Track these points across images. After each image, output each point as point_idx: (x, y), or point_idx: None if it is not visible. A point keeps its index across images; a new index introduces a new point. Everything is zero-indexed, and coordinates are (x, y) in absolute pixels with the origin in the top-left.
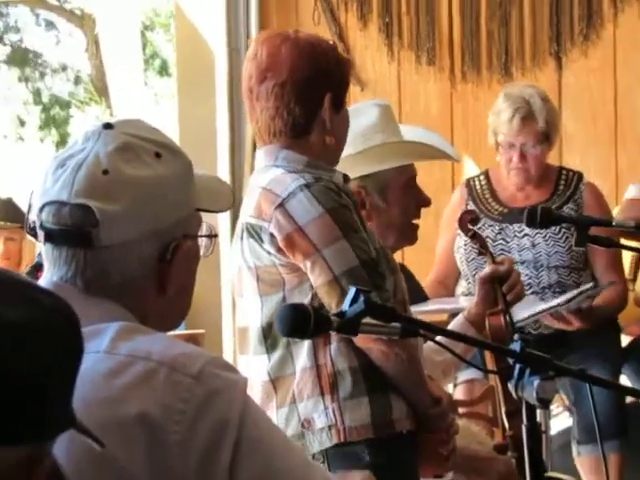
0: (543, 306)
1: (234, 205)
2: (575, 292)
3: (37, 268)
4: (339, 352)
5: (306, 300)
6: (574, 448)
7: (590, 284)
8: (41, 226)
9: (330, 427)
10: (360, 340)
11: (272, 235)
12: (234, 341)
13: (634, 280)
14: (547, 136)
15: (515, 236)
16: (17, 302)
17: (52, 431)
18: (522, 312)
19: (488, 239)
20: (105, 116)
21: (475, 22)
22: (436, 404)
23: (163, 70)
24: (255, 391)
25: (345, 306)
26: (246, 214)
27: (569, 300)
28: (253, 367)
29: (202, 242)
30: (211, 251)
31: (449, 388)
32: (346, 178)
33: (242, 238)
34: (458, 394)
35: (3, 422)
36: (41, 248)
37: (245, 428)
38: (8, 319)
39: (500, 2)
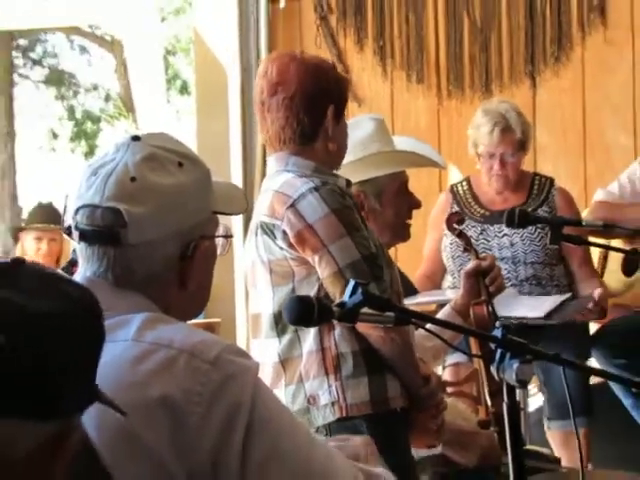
0: (525, 314)
1: (247, 209)
2: (556, 303)
3: (72, 264)
4: (342, 337)
5: (313, 290)
6: (545, 423)
7: (568, 294)
8: (76, 227)
9: (333, 403)
10: (361, 326)
11: (284, 232)
12: (247, 328)
13: (602, 274)
14: (523, 145)
15: (495, 236)
16: (50, 294)
17: (79, 406)
18: (505, 309)
19: (472, 238)
20: (132, 130)
21: (459, 46)
22: (426, 384)
23: (184, 90)
24: (266, 371)
25: (345, 297)
26: (260, 213)
27: (549, 314)
28: (265, 349)
29: (219, 242)
30: (227, 250)
31: (438, 370)
32: (348, 183)
33: (257, 235)
34: (446, 376)
35: (34, 400)
36: (76, 246)
37: (256, 409)
38: (41, 310)
39: (481, 28)
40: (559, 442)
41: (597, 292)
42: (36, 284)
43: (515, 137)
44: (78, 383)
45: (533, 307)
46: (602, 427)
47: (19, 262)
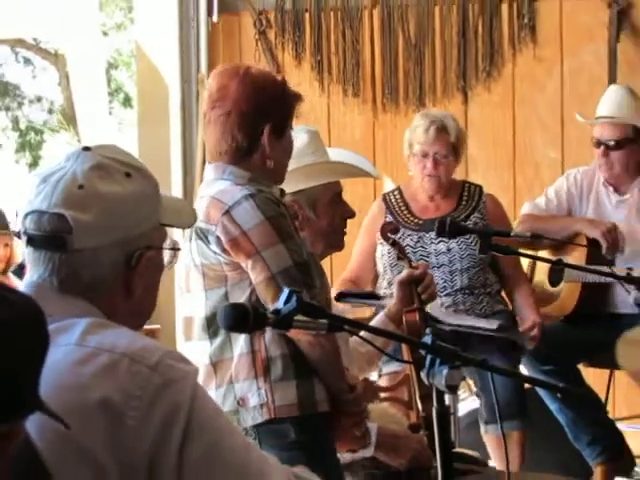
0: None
1: (195, 223)
2: (495, 327)
3: (22, 267)
4: (272, 341)
5: (245, 294)
6: (482, 427)
7: (497, 323)
8: (24, 232)
9: (262, 405)
10: (291, 331)
11: (218, 237)
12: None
13: (530, 281)
14: (456, 150)
15: (432, 242)
16: None
17: (24, 412)
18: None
19: (409, 247)
20: (74, 142)
21: (394, 61)
22: (352, 391)
23: (126, 102)
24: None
25: (280, 305)
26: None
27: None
28: (196, 351)
29: (166, 254)
30: (174, 263)
31: (373, 376)
32: (282, 192)
33: (191, 239)
34: (383, 383)
35: None
36: (24, 249)
37: (194, 413)
38: None
39: (415, 44)
40: (495, 445)
41: (532, 327)
42: None
43: (449, 139)
44: (22, 391)
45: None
46: (534, 428)
47: None
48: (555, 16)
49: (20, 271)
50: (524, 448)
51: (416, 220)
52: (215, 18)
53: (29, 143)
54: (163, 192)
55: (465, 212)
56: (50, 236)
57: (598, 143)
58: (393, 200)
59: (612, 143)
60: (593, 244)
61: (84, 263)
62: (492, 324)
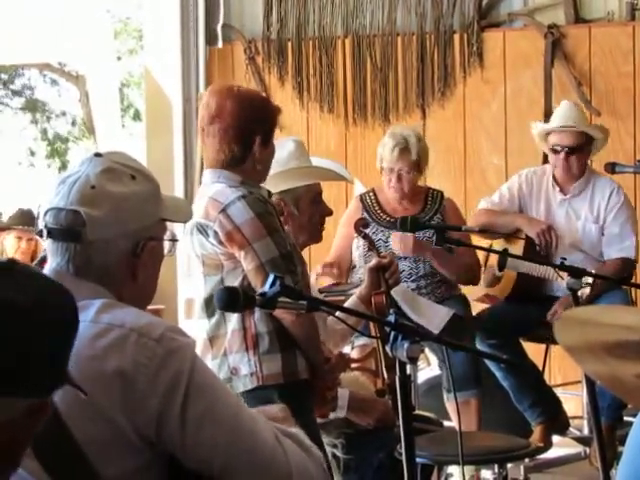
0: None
1: (191, 218)
2: (448, 316)
3: (42, 261)
4: (260, 319)
5: (238, 280)
6: (444, 394)
7: (453, 311)
8: (45, 226)
9: (252, 374)
10: (276, 311)
11: (215, 232)
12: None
13: (485, 265)
14: (418, 165)
15: None
16: (28, 289)
17: (58, 387)
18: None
19: (381, 241)
20: (93, 149)
21: (362, 82)
22: (327, 362)
23: (136, 116)
24: (196, 346)
25: (266, 288)
26: (196, 216)
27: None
28: (196, 328)
29: (166, 244)
30: (173, 252)
31: (347, 349)
32: (269, 193)
33: (192, 234)
34: (354, 354)
35: (22, 381)
36: (45, 243)
37: (193, 378)
38: (23, 303)
39: (380, 68)
40: (455, 410)
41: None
42: (27, 281)
43: (411, 157)
44: (60, 370)
45: (429, 319)
46: (486, 395)
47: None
48: (499, 45)
49: (40, 264)
50: (480, 412)
51: (388, 218)
52: (220, 44)
53: (57, 150)
54: (165, 192)
55: (429, 214)
56: (67, 229)
57: (559, 149)
58: (368, 200)
59: (572, 148)
60: (530, 240)
61: (96, 252)
62: (448, 313)
